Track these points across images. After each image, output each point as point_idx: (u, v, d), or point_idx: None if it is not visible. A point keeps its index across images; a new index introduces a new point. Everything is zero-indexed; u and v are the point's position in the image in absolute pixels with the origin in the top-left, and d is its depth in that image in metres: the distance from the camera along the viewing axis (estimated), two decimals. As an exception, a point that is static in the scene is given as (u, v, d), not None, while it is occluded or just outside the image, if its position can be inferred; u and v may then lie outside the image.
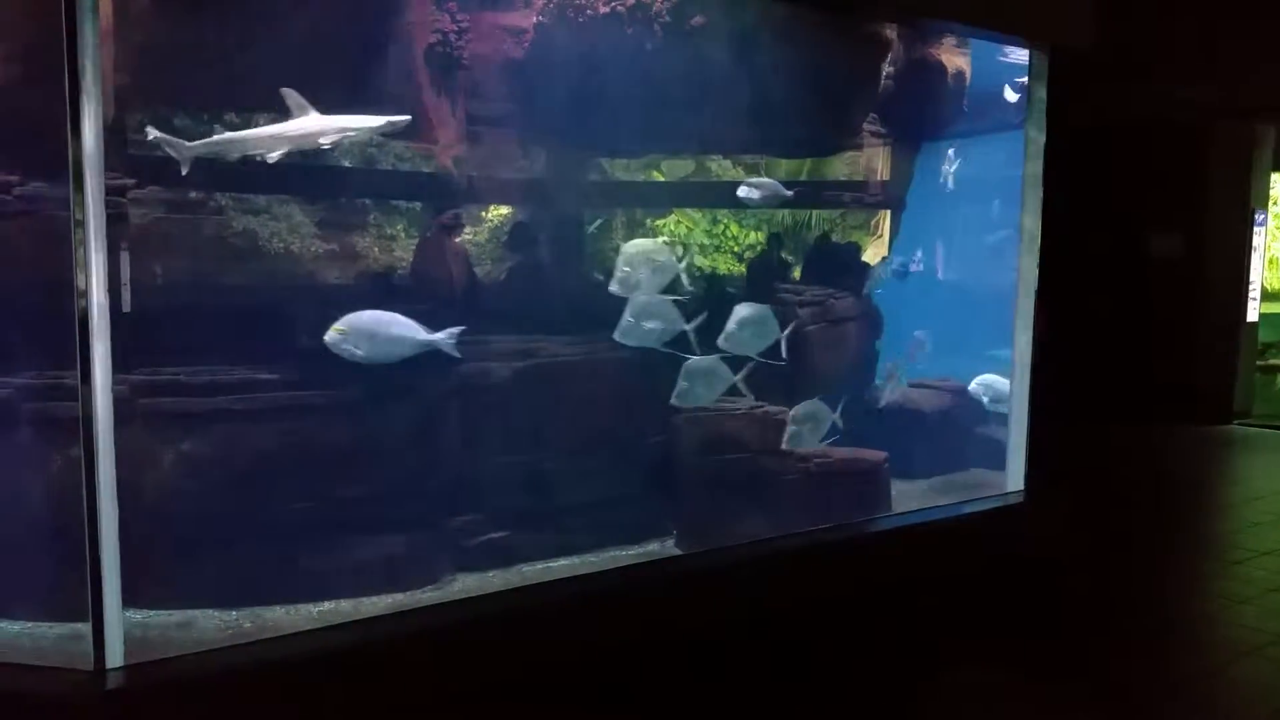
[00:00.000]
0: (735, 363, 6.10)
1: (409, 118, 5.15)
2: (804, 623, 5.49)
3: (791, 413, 6.35)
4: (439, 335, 5.20)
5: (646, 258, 5.87)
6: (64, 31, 3.80)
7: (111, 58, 4.34)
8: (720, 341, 6.02)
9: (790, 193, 7.14)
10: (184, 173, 4.94)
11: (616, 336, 5.87)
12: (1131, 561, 6.87)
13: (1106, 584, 6.39)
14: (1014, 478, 7.18)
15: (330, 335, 4.94)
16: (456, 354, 5.28)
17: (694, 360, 5.99)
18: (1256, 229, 12.46)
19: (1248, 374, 12.78)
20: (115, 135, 4.50)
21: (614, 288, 5.81)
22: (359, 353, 4.99)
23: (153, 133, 4.85)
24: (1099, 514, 8.07)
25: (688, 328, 5.93)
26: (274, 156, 4.92)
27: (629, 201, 8.47)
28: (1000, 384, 7.59)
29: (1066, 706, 4.63)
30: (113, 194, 4.18)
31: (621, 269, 5.81)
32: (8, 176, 4.96)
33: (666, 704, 4.56)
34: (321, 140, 4.98)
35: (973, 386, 7.92)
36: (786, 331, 6.29)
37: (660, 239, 5.82)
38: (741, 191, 6.95)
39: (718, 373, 6.04)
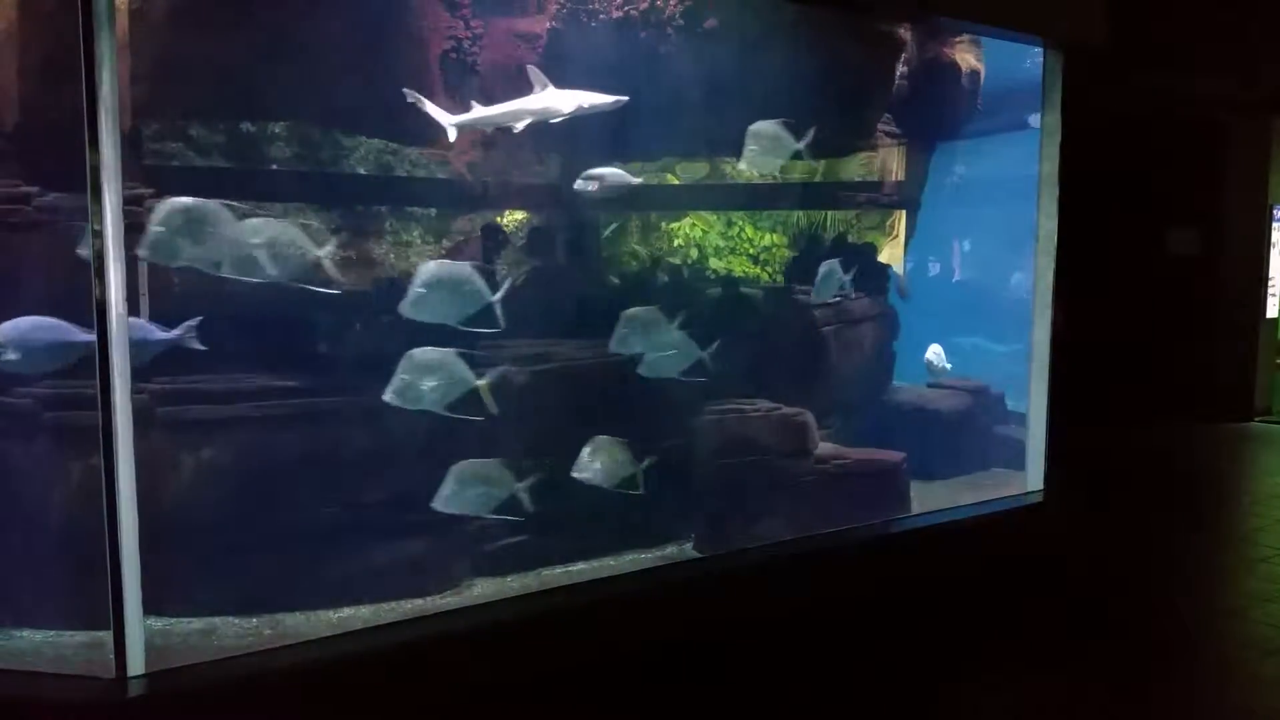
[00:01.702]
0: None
1: (627, 98, 5.31)
2: (823, 624, 5.46)
3: (453, 468, 5.13)
4: (174, 333, 4.74)
5: (264, 236, 4.62)
6: (81, 41, 3.82)
7: (128, 68, 4.36)
8: (404, 309, 4.99)
9: (637, 180, 6.37)
10: (451, 139, 5.40)
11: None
12: (1154, 559, 6.81)
13: (1128, 582, 6.33)
14: (1033, 477, 7.13)
15: None
16: (200, 346, 4.75)
17: (419, 351, 4.98)
18: (1275, 225, 12.38)
19: (1268, 371, 12.68)
20: (132, 145, 4.51)
21: (225, 269, 4.59)
22: (17, 361, 4.52)
23: (414, 97, 4.94)
24: (1120, 512, 8.01)
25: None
26: (519, 128, 5.22)
27: (644, 205, 8.47)
28: (943, 353, 9.14)
29: (1090, 703, 4.59)
30: (130, 203, 4.20)
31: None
32: (27, 188, 5.00)
33: (681, 707, 4.54)
34: (561, 113, 5.20)
35: (927, 356, 9.12)
36: (500, 294, 5.07)
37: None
38: (579, 184, 6.13)
39: (449, 369, 5.02)
